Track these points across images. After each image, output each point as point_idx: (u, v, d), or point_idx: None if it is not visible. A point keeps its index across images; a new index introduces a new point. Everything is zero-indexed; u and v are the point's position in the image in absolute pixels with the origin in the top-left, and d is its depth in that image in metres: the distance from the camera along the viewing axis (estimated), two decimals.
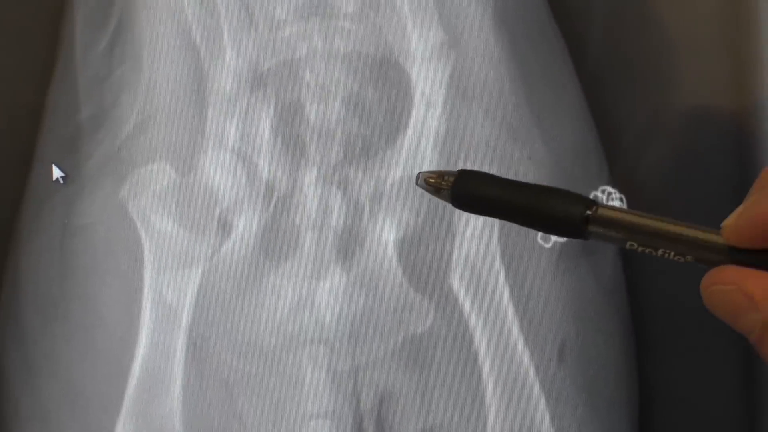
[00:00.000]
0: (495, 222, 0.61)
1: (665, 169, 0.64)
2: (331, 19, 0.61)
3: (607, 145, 0.64)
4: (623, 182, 0.63)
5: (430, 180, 0.45)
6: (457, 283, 0.61)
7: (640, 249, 0.43)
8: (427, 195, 0.61)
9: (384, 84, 0.61)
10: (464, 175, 0.45)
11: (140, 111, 0.61)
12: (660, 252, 0.42)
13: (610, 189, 0.63)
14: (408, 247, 0.61)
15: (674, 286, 0.63)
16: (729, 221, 0.41)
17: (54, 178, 0.61)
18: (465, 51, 0.61)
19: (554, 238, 0.62)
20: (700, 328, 0.63)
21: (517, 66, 0.62)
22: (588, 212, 0.43)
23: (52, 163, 0.61)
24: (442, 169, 0.46)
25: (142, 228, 0.61)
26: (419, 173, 0.45)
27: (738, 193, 0.63)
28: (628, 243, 0.43)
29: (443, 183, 0.45)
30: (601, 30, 0.64)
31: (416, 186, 0.46)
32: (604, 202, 0.63)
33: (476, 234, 0.61)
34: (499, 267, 0.61)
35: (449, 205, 0.61)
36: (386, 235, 0.61)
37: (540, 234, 0.62)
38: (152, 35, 0.61)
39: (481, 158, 0.61)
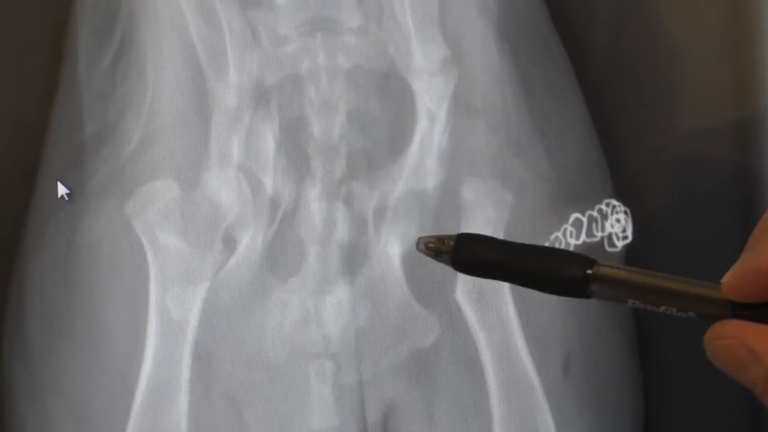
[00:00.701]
0: (500, 235, 0.61)
1: (669, 180, 0.64)
2: (335, 34, 0.61)
3: (610, 157, 0.64)
4: (627, 194, 0.63)
5: (430, 245, 0.45)
6: (462, 296, 0.61)
7: (641, 306, 0.43)
8: (431, 208, 0.62)
9: (388, 99, 0.61)
10: (464, 238, 0.45)
11: (144, 127, 0.61)
12: (662, 308, 0.42)
13: (614, 202, 0.63)
14: (413, 261, 0.61)
15: None
16: (727, 277, 0.42)
17: (59, 195, 0.61)
18: (468, 66, 0.62)
19: None
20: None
21: (520, 80, 0.62)
22: (588, 271, 0.43)
23: (56, 180, 0.61)
24: (442, 233, 0.46)
25: (147, 244, 0.61)
26: (419, 238, 0.45)
27: (741, 202, 0.64)
28: (630, 301, 0.43)
29: (443, 247, 0.45)
30: (604, 41, 0.64)
31: (416, 250, 0.46)
32: (609, 216, 0.63)
33: None
34: None
35: (454, 219, 0.62)
36: (391, 249, 0.61)
37: None
38: (156, 52, 0.61)
39: (484, 173, 0.61)
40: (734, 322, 0.42)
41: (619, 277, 0.43)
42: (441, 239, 0.45)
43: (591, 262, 0.43)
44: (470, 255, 0.44)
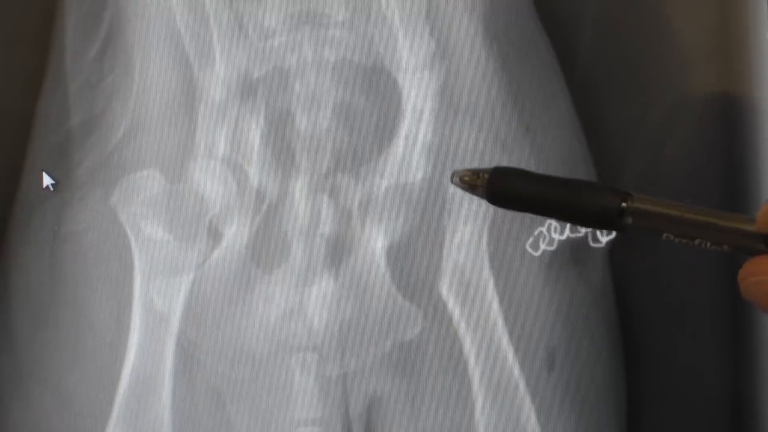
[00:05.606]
0: (484, 230, 0.62)
1: (655, 177, 0.64)
2: (322, 28, 0.61)
3: (596, 154, 0.64)
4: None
5: (465, 178, 0.45)
6: (446, 290, 0.62)
7: (676, 239, 0.43)
8: (417, 202, 0.62)
9: (374, 93, 0.61)
10: (499, 172, 0.45)
11: (131, 118, 0.61)
12: (697, 242, 0.42)
13: None
14: (397, 254, 0.62)
15: (662, 292, 0.63)
16: (762, 211, 0.42)
17: (44, 185, 0.61)
18: (455, 61, 0.62)
19: (543, 246, 0.62)
20: (688, 334, 0.63)
21: (507, 76, 0.62)
22: (624, 204, 0.43)
23: (42, 170, 0.61)
24: (475, 167, 0.46)
25: (132, 235, 0.61)
26: (454, 171, 0.45)
27: (728, 199, 0.64)
28: (665, 234, 0.43)
29: (478, 180, 0.45)
30: (591, 39, 0.64)
31: (451, 184, 0.45)
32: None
33: (465, 242, 0.62)
34: (488, 274, 0.62)
35: (439, 213, 0.62)
36: (376, 242, 0.62)
37: (529, 242, 0.62)
38: (143, 43, 0.61)
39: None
40: None
41: (653, 210, 0.43)
42: (476, 172, 0.45)
43: (626, 195, 0.43)
44: (505, 188, 0.45)
